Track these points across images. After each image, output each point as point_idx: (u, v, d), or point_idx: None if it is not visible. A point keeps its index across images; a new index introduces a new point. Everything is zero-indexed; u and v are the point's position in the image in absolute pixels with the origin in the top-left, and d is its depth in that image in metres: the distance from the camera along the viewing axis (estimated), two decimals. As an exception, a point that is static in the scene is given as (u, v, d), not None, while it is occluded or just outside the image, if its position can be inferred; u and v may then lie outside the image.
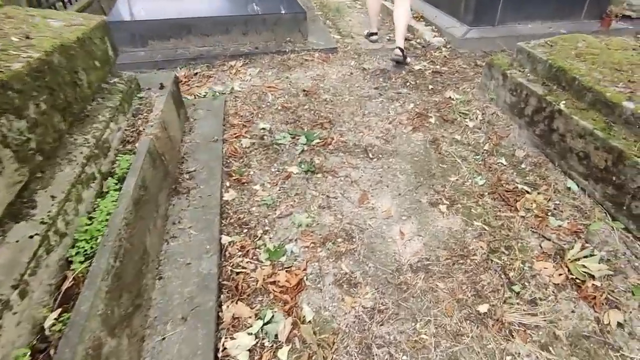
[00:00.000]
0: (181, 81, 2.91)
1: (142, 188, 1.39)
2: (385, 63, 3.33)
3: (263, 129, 2.38)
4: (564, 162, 2.05)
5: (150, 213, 1.45)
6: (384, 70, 3.20)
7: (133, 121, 1.72)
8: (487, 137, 2.39)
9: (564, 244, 1.75)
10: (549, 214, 1.88)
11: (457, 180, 2.09)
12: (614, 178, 1.74)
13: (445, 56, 3.46)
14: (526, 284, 1.58)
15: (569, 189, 1.99)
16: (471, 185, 2.06)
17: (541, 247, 1.75)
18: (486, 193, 2.01)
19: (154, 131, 1.64)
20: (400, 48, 3.11)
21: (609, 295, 1.53)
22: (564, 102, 2.05)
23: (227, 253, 1.61)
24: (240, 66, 3.09)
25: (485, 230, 1.81)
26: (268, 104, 2.67)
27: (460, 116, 2.58)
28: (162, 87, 1.99)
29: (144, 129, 1.66)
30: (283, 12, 3.17)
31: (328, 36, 3.54)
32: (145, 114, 1.77)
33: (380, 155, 2.26)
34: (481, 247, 1.73)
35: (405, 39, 3.76)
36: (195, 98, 2.64)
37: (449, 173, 2.14)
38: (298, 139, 2.32)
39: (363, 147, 2.32)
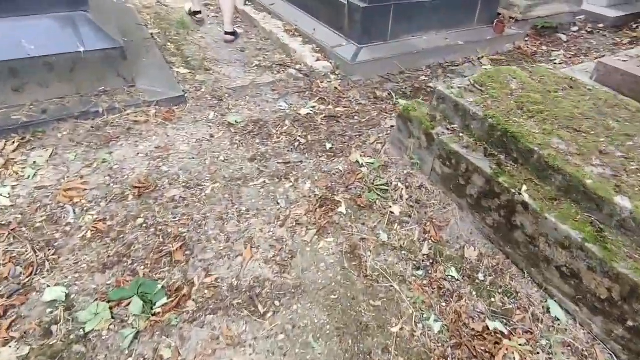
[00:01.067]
0: None
1: None
2: (260, 108, 2.50)
3: (53, 302, 1.35)
4: (535, 270, 1.53)
5: None
6: (259, 122, 2.37)
7: None
8: (422, 229, 1.77)
9: None
10: (542, 370, 1.33)
11: (401, 330, 1.42)
12: (626, 318, 1.25)
13: (336, 88, 2.79)
14: None
15: (555, 317, 1.47)
16: (424, 337, 1.40)
17: None
18: (449, 348, 1.38)
19: None
20: (228, 32, 3.34)
21: None
22: (525, 187, 1.51)
23: None
24: (15, 150, 1.92)
25: None
26: (68, 227, 1.62)
27: (378, 196, 1.91)
28: None
29: None
30: (82, 49, 2.08)
31: (169, 75, 2.54)
32: None
33: (277, 304, 1.46)
34: None
35: (282, 65, 2.99)
36: None
37: (387, 316, 1.45)
38: (127, 308, 1.36)
39: (246, 290, 1.49)
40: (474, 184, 1.69)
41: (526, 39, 3.89)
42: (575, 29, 4.23)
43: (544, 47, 3.82)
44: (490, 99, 1.84)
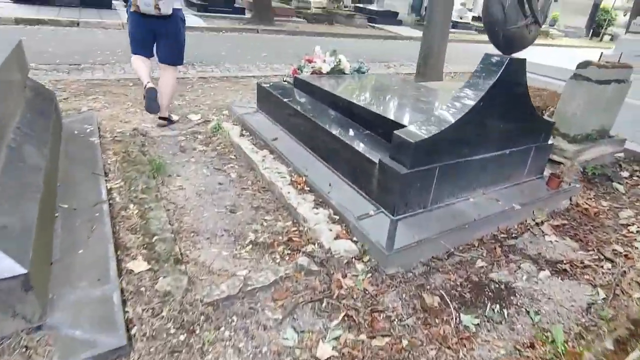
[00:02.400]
0: None
1: None
2: (254, 347, 1.53)
3: None
4: None
5: None
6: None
7: None
8: None
9: None
10: None
11: None
12: None
13: (366, 291, 1.86)
14: None
15: None
16: None
17: None
18: None
19: None
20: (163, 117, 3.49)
21: None
22: None
23: None
24: None
25: None
26: None
27: None
28: None
29: None
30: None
31: (110, 294, 1.55)
32: None
33: None
34: None
35: (287, 243, 2.10)
36: None
37: None
38: None
39: None
40: None
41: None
42: (626, 174, 3.56)
43: (604, 203, 3.06)
44: None
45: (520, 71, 2.29)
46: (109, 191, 2.24)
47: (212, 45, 8.03)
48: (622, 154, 3.93)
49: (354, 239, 2.14)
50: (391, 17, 15.68)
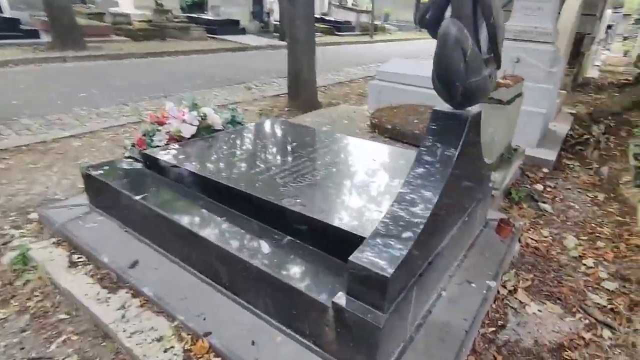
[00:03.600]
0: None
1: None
2: None
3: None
4: None
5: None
6: None
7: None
8: None
9: None
10: None
11: None
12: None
13: None
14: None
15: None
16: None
17: None
18: None
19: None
20: None
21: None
22: None
23: None
24: None
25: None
26: None
27: None
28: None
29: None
30: None
31: None
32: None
33: None
34: None
35: None
36: None
37: None
38: None
39: None
40: None
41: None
42: (540, 187, 3.55)
43: (544, 232, 2.89)
44: None
45: (478, 125, 1.79)
46: None
47: (-2, 89, 5.97)
48: (520, 161, 3.98)
49: None
50: (233, 26, 14.91)
